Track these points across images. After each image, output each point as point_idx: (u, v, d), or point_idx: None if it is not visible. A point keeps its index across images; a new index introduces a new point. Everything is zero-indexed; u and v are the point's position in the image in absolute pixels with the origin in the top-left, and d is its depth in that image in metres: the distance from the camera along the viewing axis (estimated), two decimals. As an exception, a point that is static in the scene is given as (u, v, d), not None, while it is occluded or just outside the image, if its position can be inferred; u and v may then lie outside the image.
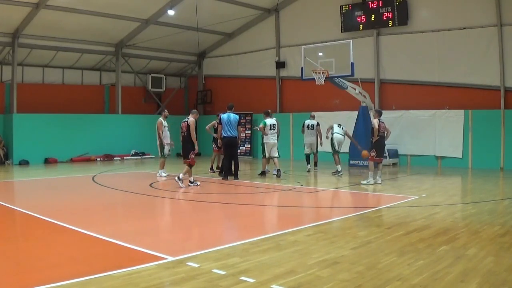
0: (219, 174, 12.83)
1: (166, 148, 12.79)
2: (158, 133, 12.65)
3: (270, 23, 20.17)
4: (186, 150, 10.53)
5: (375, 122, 10.86)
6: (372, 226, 6.49)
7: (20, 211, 7.71)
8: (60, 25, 17.11)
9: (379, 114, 11.06)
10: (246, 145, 20.58)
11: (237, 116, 11.97)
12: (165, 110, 13.38)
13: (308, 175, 13.22)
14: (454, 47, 15.33)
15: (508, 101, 14.49)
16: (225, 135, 11.74)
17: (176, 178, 10.40)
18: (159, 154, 12.92)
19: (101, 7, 16.69)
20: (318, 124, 13.83)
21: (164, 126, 12.72)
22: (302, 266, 4.49)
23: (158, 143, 12.76)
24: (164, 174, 12.69)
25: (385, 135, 11.08)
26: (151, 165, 16.49)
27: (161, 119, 12.76)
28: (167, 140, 12.76)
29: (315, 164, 14.06)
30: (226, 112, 12.03)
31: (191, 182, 10.59)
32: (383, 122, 11.04)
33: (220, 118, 11.98)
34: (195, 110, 11.04)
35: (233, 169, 12.10)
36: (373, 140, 10.87)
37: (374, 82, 17.09)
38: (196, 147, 10.50)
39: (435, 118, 15.60)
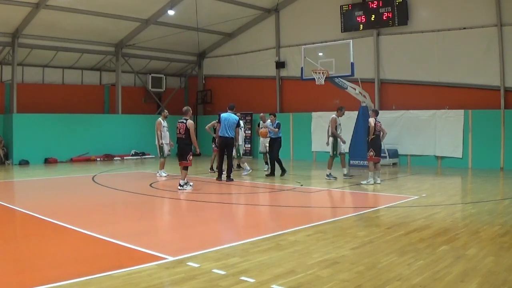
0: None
1: (166, 148, 12.77)
2: (157, 133, 12.64)
3: (270, 23, 20.16)
4: (184, 152, 10.07)
5: (371, 121, 10.97)
6: (372, 226, 6.50)
7: (20, 211, 7.71)
8: (60, 25, 17.10)
9: (375, 113, 11.19)
10: (246, 145, 20.56)
11: (237, 117, 11.89)
12: (165, 110, 13.31)
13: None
14: (454, 47, 15.32)
15: (508, 101, 14.48)
16: (221, 135, 11.60)
17: (179, 187, 10.02)
18: (159, 155, 12.91)
19: (101, 7, 16.69)
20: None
21: (163, 126, 12.69)
22: (302, 266, 4.49)
23: (156, 143, 12.75)
24: (164, 174, 12.68)
25: (380, 135, 11.15)
26: (151, 165, 16.49)
27: (160, 119, 12.75)
28: (166, 140, 12.73)
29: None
30: (227, 111, 11.96)
31: (180, 186, 10.10)
32: (379, 122, 11.16)
33: (220, 117, 11.86)
34: (187, 107, 10.45)
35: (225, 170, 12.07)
36: (369, 139, 10.97)
37: (374, 82, 17.08)
38: (198, 149, 10.29)
39: (435, 118, 15.60)
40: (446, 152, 15.40)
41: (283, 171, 12.62)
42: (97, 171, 14.59)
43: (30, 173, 14.20)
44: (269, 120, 14.05)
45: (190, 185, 10.25)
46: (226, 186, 11.04)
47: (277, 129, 12.57)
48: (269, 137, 12.87)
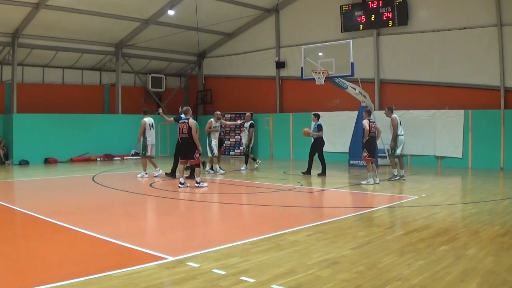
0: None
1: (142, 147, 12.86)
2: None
3: (270, 23, 20.16)
4: (190, 150, 10.29)
5: (365, 122, 11.01)
6: (372, 226, 6.50)
7: (20, 211, 7.71)
8: (60, 25, 17.10)
9: (368, 114, 11.23)
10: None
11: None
12: (143, 109, 13.40)
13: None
14: (454, 47, 15.32)
15: (508, 101, 14.48)
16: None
17: (196, 184, 10.30)
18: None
19: (101, 7, 16.69)
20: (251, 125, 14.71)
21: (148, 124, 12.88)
22: (302, 266, 4.50)
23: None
24: (155, 173, 12.70)
25: (375, 135, 11.20)
26: (150, 165, 16.44)
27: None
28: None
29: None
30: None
31: (181, 184, 10.32)
32: (373, 122, 11.21)
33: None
34: (187, 107, 10.78)
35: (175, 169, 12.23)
36: (364, 141, 11.02)
37: (374, 82, 17.08)
38: (200, 148, 10.39)
39: (435, 118, 15.58)
40: (446, 152, 15.39)
41: (323, 171, 12.78)
42: (97, 171, 14.59)
43: (30, 173, 14.20)
44: (251, 122, 14.55)
45: (187, 186, 10.35)
46: (226, 186, 11.05)
47: (319, 133, 12.82)
48: (310, 136, 13.17)
